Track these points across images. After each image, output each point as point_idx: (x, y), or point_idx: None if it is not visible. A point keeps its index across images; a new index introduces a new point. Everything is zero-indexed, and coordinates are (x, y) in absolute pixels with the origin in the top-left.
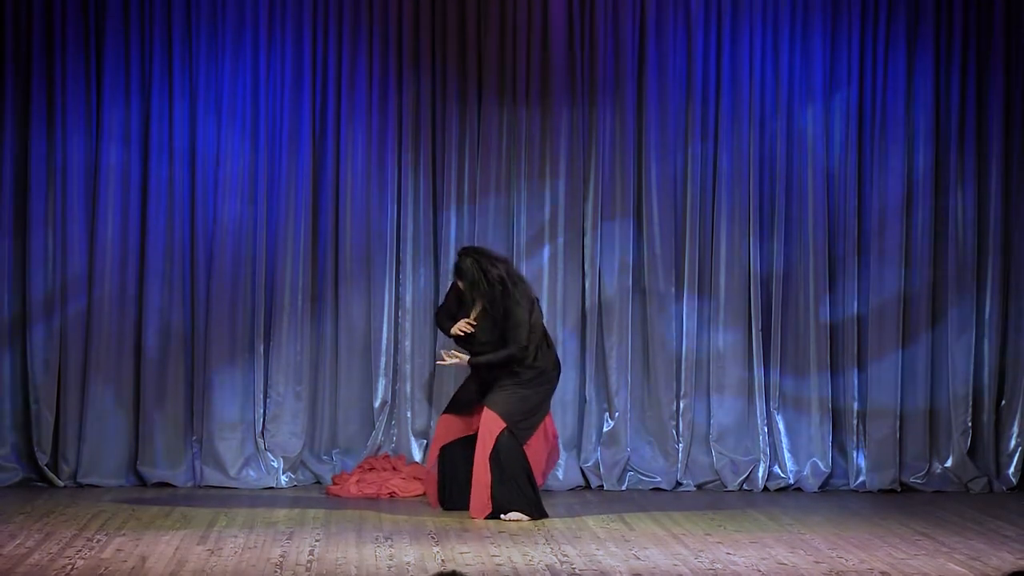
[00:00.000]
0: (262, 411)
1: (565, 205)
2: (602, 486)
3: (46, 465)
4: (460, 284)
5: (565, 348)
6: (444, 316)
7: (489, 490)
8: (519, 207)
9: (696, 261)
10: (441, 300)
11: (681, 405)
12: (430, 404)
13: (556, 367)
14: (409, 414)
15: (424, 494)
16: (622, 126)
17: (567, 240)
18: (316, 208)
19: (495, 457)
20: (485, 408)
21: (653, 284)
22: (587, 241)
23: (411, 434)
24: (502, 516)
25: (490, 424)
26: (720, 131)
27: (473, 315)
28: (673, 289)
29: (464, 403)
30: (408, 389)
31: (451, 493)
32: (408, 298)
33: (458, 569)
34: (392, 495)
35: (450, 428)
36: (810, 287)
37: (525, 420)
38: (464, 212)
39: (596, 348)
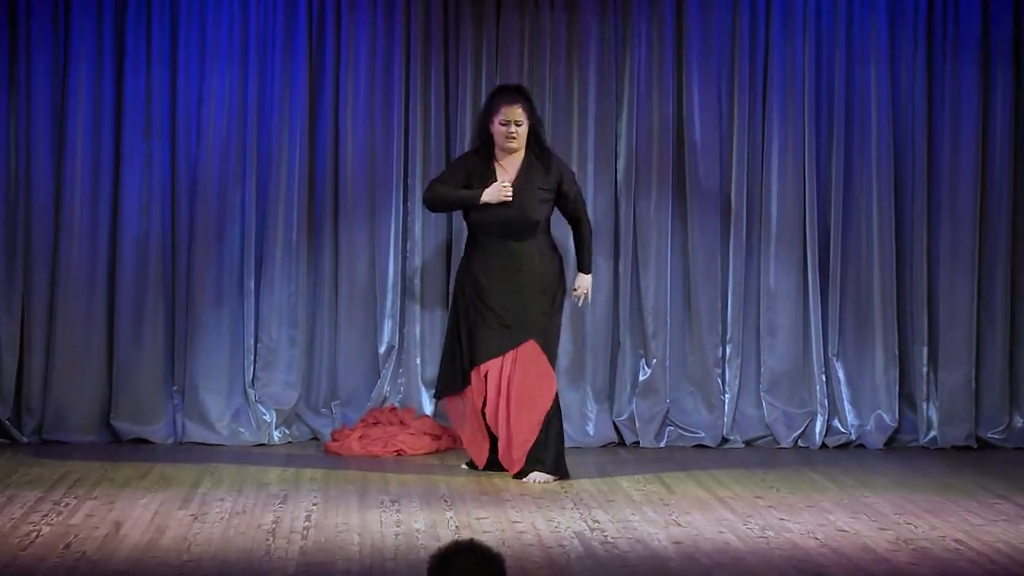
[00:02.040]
0: (252, 358)
1: (595, 126)
2: (637, 442)
3: (8, 419)
4: (509, 128)
5: (596, 286)
6: (447, 188)
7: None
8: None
9: (744, 187)
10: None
11: (727, 350)
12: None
13: None
14: (419, 361)
15: (437, 451)
16: (660, 38)
17: (598, 165)
18: (313, 129)
19: (549, 417)
20: (533, 343)
21: (696, 213)
22: (620, 165)
23: (421, 384)
24: (524, 478)
25: (540, 369)
26: (771, 44)
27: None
28: (719, 219)
29: (497, 345)
30: (417, 332)
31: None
32: (417, 229)
33: (475, 537)
34: (399, 453)
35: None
36: (873, 217)
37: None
38: None
39: (631, 285)
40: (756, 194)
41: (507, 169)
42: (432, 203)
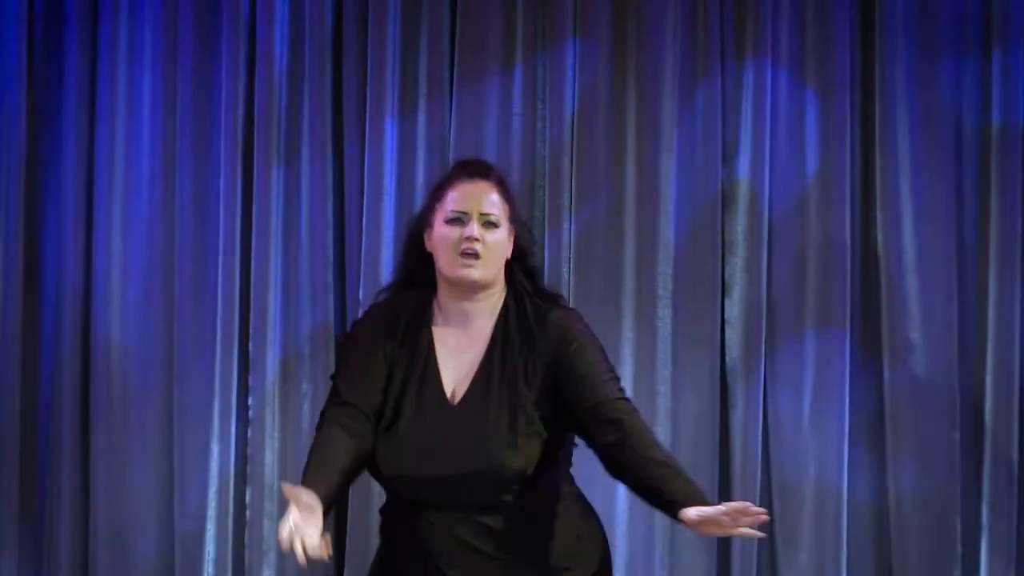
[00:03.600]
0: None
1: (678, 227)
2: None
3: None
4: (467, 227)
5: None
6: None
7: None
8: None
9: (1014, 356)
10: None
11: None
12: None
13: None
14: None
15: None
16: (828, 44)
17: (687, 310)
18: (32, 233)
19: None
20: None
21: (906, 402)
22: (733, 309)
23: None
24: None
25: None
26: None
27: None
28: (957, 435)
29: None
30: None
31: None
32: (268, 465)
33: None
34: None
35: None
36: None
37: None
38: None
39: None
40: None
41: (461, 328)
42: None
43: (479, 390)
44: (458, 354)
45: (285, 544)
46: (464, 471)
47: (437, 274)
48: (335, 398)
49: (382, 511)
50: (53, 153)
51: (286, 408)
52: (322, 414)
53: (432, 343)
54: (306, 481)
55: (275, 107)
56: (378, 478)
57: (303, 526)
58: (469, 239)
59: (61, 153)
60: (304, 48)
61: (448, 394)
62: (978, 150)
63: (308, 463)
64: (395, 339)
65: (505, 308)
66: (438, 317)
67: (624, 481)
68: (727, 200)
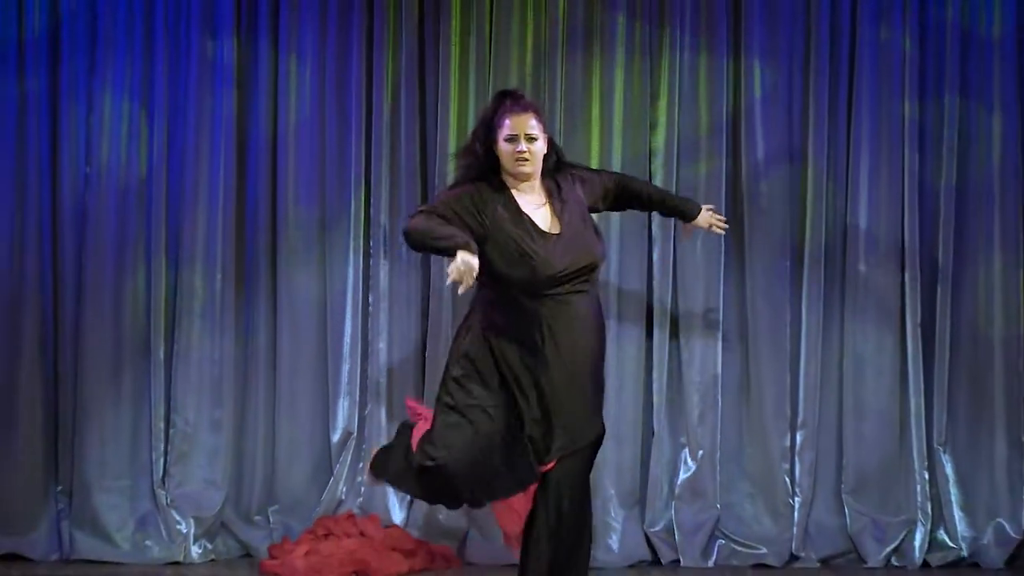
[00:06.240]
0: (163, 448)
1: (622, 139)
2: (678, 561)
3: None
4: (519, 145)
5: (620, 348)
6: (435, 223)
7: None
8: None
9: (823, 219)
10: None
11: (798, 439)
12: None
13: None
14: None
15: (410, 572)
16: (709, 19)
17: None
18: (242, 142)
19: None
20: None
21: (757, 255)
22: (659, 167)
23: None
24: None
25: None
26: (859, 26)
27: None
28: (788, 263)
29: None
30: (383, 415)
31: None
32: (383, 276)
33: None
34: (359, 574)
35: None
36: (995, 257)
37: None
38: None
39: (669, 352)
40: (838, 227)
41: (528, 194)
42: (413, 239)
43: (564, 220)
44: (534, 208)
45: (456, 275)
46: (581, 264)
47: (502, 167)
48: (428, 212)
49: (491, 303)
50: None
51: (395, 275)
52: (416, 216)
53: (516, 202)
54: (454, 233)
55: (401, 58)
56: (512, 277)
57: (471, 264)
58: (520, 154)
59: None
60: None
61: (547, 229)
62: None
63: (439, 232)
64: (481, 195)
65: (546, 177)
66: (511, 189)
67: (653, 209)
68: None
